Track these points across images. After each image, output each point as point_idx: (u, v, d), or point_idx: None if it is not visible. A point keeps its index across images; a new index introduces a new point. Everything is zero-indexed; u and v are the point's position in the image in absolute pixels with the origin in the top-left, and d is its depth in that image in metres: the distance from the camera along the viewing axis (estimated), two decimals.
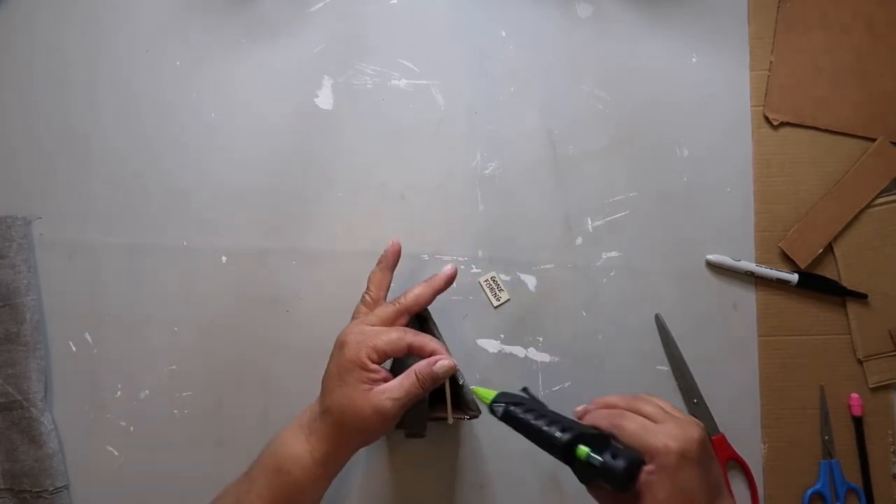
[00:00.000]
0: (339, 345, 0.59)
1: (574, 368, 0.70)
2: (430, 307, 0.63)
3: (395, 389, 0.57)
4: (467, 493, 0.69)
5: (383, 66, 0.71)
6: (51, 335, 0.69)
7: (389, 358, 0.59)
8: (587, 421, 0.55)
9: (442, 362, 0.58)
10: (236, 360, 0.69)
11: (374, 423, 0.56)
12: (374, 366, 0.57)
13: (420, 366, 0.57)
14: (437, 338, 0.61)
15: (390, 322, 0.60)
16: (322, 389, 0.59)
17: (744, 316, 0.70)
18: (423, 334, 0.60)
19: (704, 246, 0.70)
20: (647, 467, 0.50)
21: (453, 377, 0.59)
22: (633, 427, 0.52)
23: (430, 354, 0.59)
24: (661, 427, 0.51)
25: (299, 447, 0.57)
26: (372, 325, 0.60)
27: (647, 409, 0.53)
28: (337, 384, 0.57)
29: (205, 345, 0.69)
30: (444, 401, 0.60)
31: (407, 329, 0.60)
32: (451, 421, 0.58)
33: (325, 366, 0.59)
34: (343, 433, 0.57)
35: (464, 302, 0.70)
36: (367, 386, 0.56)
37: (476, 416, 0.61)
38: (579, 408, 0.57)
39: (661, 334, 0.70)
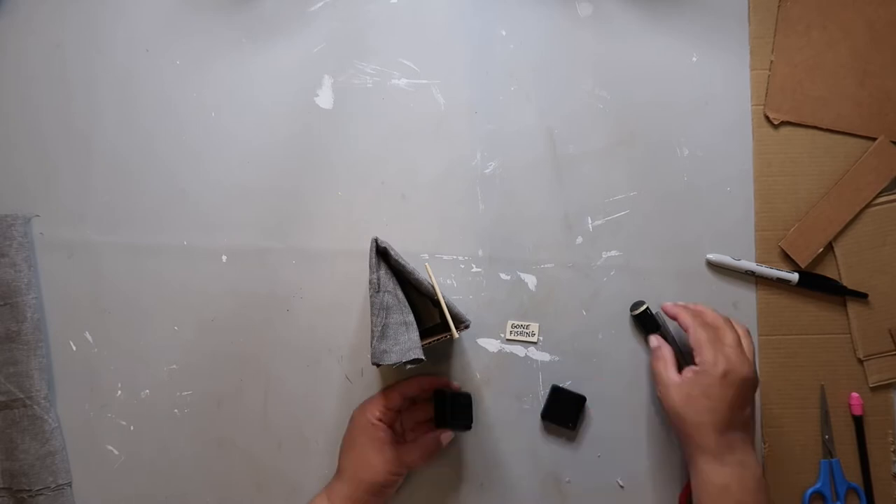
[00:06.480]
0: (350, 419, 0.66)
1: (574, 368, 0.70)
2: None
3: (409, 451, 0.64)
4: (467, 493, 0.69)
5: (383, 66, 0.71)
6: (51, 334, 0.69)
7: (393, 410, 0.65)
8: (673, 312, 0.65)
9: (445, 435, 0.66)
10: (236, 358, 0.69)
11: (384, 472, 0.62)
12: (378, 423, 0.63)
13: (428, 438, 0.65)
14: (415, 277, 0.62)
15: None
16: (339, 458, 0.65)
17: (744, 315, 0.70)
18: (412, 379, 0.66)
19: (704, 245, 0.70)
20: (693, 368, 0.60)
21: (436, 298, 0.61)
22: (702, 336, 0.61)
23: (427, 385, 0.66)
24: (724, 348, 0.60)
25: None
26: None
27: (727, 333, 0.62)
28: (349, 447, 0.65)
29: (205, 344, 0.69)
30: (430, 335, 0.63)
31: (398, 384, 0.67)
32: (457, 335, 0.61)
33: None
34: (358, 488, 0.62)
35: (463, 301, 0.70)
36: (377, 443, 0.63)
37: (468, 326, 0.64)
38: (668, 305, 0.66)
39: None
